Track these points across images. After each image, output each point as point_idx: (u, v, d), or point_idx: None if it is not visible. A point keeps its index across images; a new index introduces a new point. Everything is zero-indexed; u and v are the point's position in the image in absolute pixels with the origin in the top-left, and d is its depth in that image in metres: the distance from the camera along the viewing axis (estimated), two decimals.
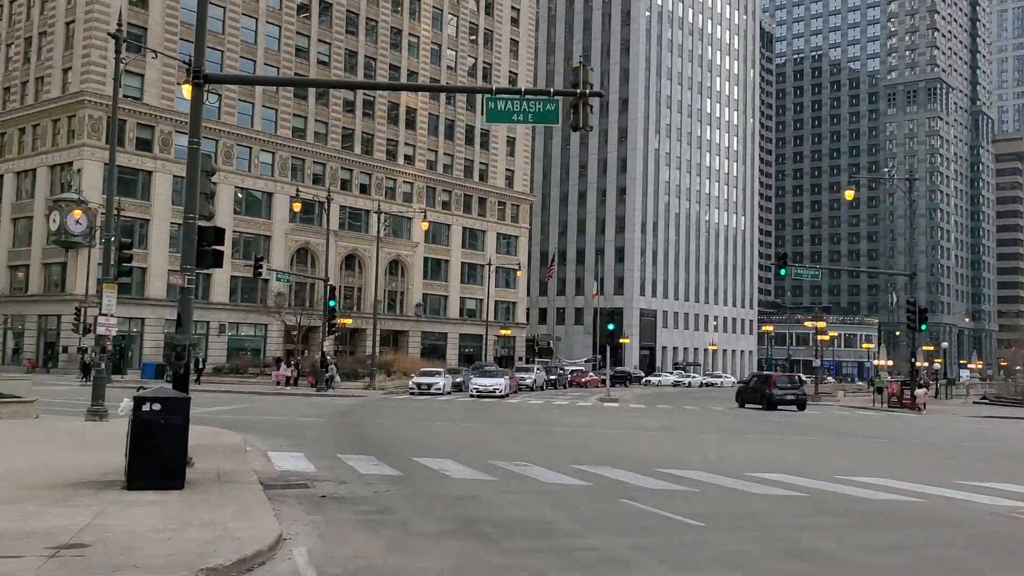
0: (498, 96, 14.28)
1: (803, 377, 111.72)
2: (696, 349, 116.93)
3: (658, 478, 13.96)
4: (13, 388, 24.03)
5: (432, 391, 44.20)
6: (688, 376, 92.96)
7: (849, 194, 41.02)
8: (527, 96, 14.30)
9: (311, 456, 16.35)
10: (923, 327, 40.24)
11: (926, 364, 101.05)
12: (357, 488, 12.34)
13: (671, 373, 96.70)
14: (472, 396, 42.73)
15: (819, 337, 69.79)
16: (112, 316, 23.71)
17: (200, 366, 50.88)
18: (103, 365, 24.41)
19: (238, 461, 14.93)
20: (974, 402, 54.04)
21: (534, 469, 14.85)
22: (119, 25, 24.56)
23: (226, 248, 64.87)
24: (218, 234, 13.95)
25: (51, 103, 63.33)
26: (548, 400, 44.42)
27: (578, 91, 14.22)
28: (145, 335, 62.96)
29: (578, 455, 17.69)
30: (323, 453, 17.06)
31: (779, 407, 39.27)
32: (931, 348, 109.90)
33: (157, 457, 10.71)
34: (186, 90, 25.35)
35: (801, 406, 39.42)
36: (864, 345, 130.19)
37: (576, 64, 14.32)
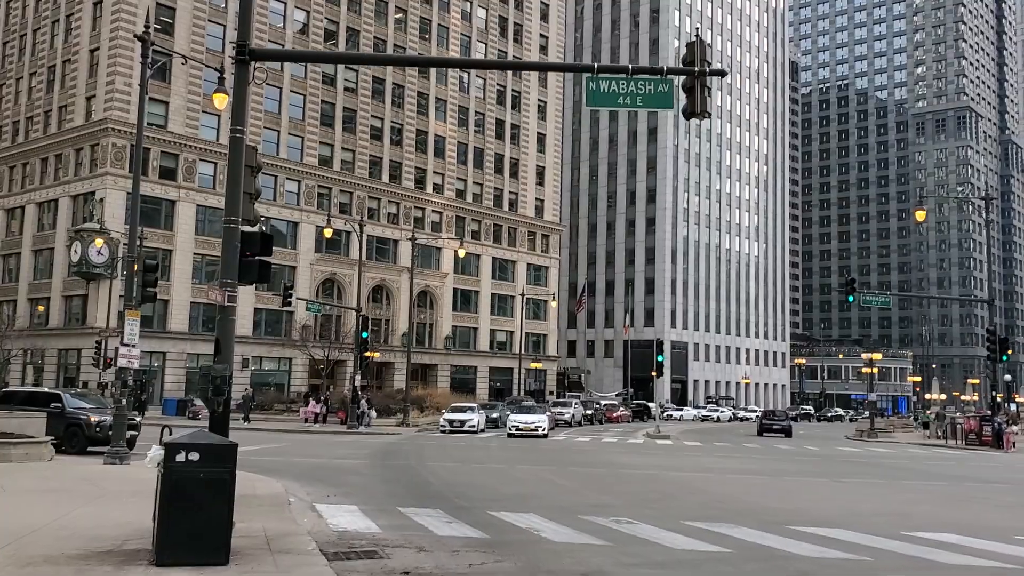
0: (601, 76, 11.90)
1: (840, 412, 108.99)
2: (728, 383, 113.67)
3: (804, 540, 11.34)
4: (26, 427, 21.67)
5: (466, 428, 41.04)
6: (717, 411, 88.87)
7: (920, 214, 38.23)
8: (636, 76, 11.91)
9: (368, 510, 13.83)
10: (1004, 358, 37.37)
11: (975, 397, 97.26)
12: (443, 559, 9.79)
13: (703, 407, 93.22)
14: (510, 434, 38.99)
15: (867, 370, 66.54)
16: (134, 347, 21.40)
17: (250, 403, 47.81)
18: (124, 401, 22.05)
19: (285, 518, 12.41)
20: None
21: (642, 528, 12.24)
22: (146, 26, 22.48)
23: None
24: (266, 242, 11.59)
25: (74, 131, 61.85)
26: (594, 437, 41.66)
27: (695, 69, 11.84)
28: (167, 370, 60.82)
29: (678, 507, 15.07)
30: (380, 505, 14.53)
31: (765, 434, 50.09)
32: (977, 381, 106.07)
33: (195, 522, 8.23)
34: (218, 99, 23.30)
35: (787, 433, 49.65)
36: (911, 378, 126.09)
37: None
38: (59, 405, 26.05)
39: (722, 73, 12.83)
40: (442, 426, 41.62)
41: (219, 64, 23.00)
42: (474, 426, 41.40)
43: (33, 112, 66.47)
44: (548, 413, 44.80)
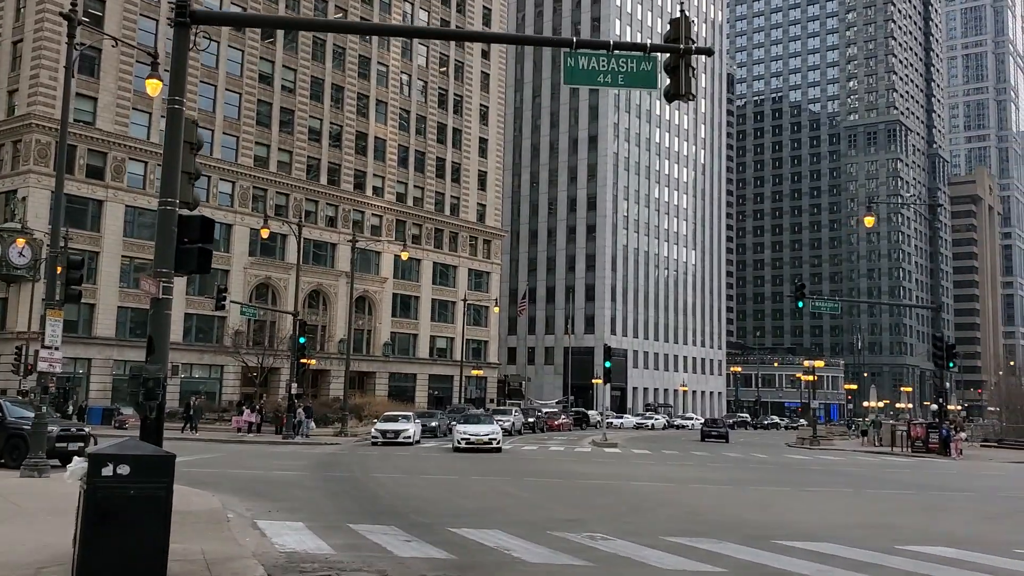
0: (580, 51, 10.92)
1: (776, 419, 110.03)
2: (666, 390, 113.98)
3: (798, 556, 10.49)
4: None
5: (400, 440, 36.69)
6: (652, 418, 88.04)
7: (869, 220, 38.11)
8: (617, 53, 10.96)
9: (316, 527, 12.60)
10: (951, 364, 37.50)
11: (909, 405, 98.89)
12: None
13: (641, 414, 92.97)
14: (458, 448, 33.96)
15: (806, 377, 66.93)
16: (56, 350, 19.74)
17: (191, 411, 44.77)
18: (44, 409, 20.32)
19: (225, 538, 11.13)
20: (981, 444, 51.39)
21: (621, 545, 11.27)
22: (73, 5, 20.83)
23: (180, 282, 60.11)
24: (206, 228, 10.31)
25: None
26: (541, 446, 40.67)
27: (680, 47, 10.97)
28: (92, 377, 58.09)
29: (652, 520, 14.15)
30: (328, 522, 13.31)
31: (707, 439, 55.12)
32: (909, 390, 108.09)
33: (124, 547, 6.98)
34: (151, 85, 21.78)
35: (726, 439, 54.93)
36: (846, 386, 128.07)
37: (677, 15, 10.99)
38: None
39: (709, 52, 12.00)
40: (374, 437, 37.13)
41: (151, 50, 21.45)
42: (409, 437, 37.10)
43: None
44: (498, 424, 42.17)
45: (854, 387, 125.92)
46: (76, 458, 7.15)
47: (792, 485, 22.30)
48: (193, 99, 63.90)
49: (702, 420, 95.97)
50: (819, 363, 67.28)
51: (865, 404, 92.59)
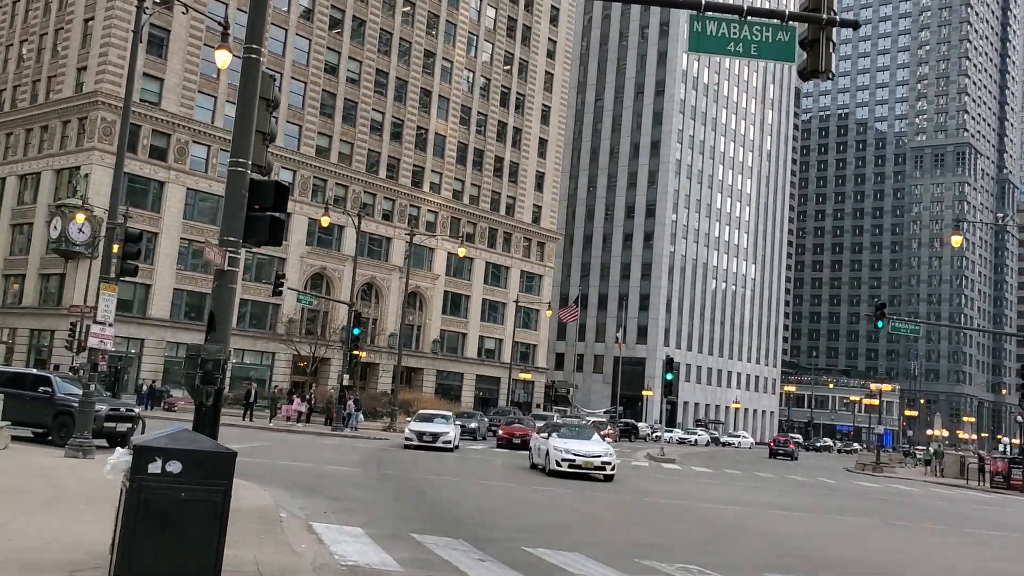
0: (708, 15, 9.60)
1: (829, 442, 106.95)
2: (718, 406, 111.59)
3: None
4: None
5: (439, 444, 31.24)
6: (694, 434, 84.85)
7: (956, 240, 36.11)
8: (751, 19, 9.62)
9: (376, 535, 11.42)
10: None
11: (973, 436, 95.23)
12: None
13: (694, 430, 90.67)
14: (555, 470, 23.87)
15: (870, 401, 64.51)
16: (109, 326, 18.89)
17: (252, 399, 43.50)
18: (93, 387, 19.51)
19: (279, 542, 10.00)
20: None
21: None
22: None
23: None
24: (280, 194, 9.18)
25: (62, 103, 59.11)
26: None
27: (822, 17, 9.60)
28: (144, 357, 58.02)
29: (744, 552, 12.75)
30: (389, 529, 12.13)
31: (775, 457, 57.64)
32: (973, 420, 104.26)
33: (170, 559, 5.82)
34: (220, 56, 20.88)
35: (792, 457, 57.37)
36: (908, 412, 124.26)
37: None
38: (48, 390, 22.86)
39: (855, 24, 10.60)
40: (407, 439, 31.89)
41: (222, 20, 20.46)
42: (449, 441, 31.71)
43: (21, 81, 63.68)
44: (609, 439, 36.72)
45: (914, 414, 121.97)
46: (118, 449, 6.02)
47: (875, 516, 20.62)
48: None
49: (751, 438, 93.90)
50: (886, 387, 64.74)
51: (928, 432, 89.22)
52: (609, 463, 24.14)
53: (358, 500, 15.56)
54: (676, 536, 14.00)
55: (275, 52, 65.50)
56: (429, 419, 33.79)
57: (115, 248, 19.78)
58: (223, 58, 21.06)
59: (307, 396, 45.98)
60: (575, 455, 23.92)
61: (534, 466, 26.11)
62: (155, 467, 5.79)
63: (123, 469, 5.94)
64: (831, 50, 9.70)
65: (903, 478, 42.86)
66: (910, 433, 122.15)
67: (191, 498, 5.83)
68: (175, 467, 5.82)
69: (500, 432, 39.59)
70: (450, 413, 38.00)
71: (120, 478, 6.05)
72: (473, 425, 43.70)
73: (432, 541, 11.26)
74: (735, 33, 9.40)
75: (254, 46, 9.11)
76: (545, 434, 26.15)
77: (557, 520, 15.06)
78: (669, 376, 38.73)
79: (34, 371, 27.34)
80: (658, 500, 20.13)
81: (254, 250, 63.24)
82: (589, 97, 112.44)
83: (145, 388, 48.97)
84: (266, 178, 9.50)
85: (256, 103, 9.05)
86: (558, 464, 23.83)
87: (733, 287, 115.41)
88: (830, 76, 9.89)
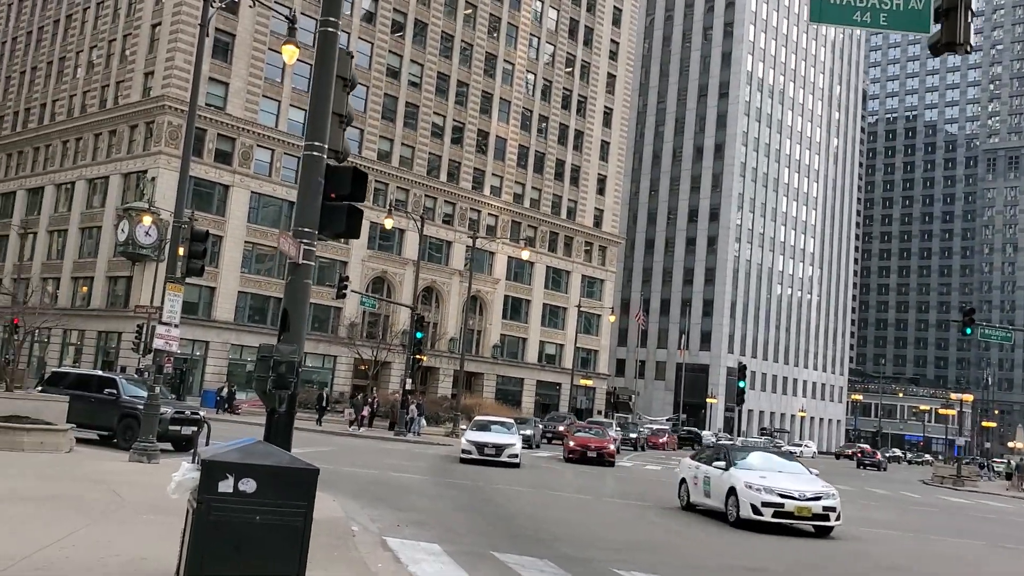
0: None
1: (898, 453, 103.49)
2: (783, 414, 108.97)
3: None
4: (43, 410, 18.77)
5: (503, 459, 26.63)
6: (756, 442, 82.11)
7: None
8: None
9: (455, 552, 10.61)
10: None
11: None
12: None
13: (758, 439, 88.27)
14: (751, 518, 16.10)
15: (946, 411, 62.03)
16: (175, 327, 18.45)
17: (324, 403, 43.62)
18: (158, 389, 19.10)
19: (353, 561, 9.24)
20: None
21: None
22: None
23: None
24: (358, 181, 8.42)
25: (130, 108, 59.85)
26: (663, 465, 38.01)
27: None
28: (208, 360, 58.36)
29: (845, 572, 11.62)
30: (468, 546, 11.30)
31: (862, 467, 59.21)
32: None
33: None
34: (287, 52, 20.35)
35: (879, 468, 55.10)
36: (986, 424, 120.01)
37: None
38: (114, 392, 22.71)
39: None
40: (465, 451, 27.28)
41: (290, 14, 19.97)
42: (515, 455, 26.98)
43: (90, 86, 64.71)
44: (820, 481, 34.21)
45: (992, 424, 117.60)
46: (184, 463, 5.26)
47: (978, 537, 19.19)
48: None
49: (813, 447, 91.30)
50: (967, 397, 62.18)
51: (1010, 444, 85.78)
52: (833, 509, 16.17)
53: (430, 511, 14.78)
54: (779, 561, 12.90)
55: None
56: (486, 427, 28.90)
57: (180, 250, 19.39)
58: (290, 53, 20.55)
59: (369, 400, 45.54)
60: (784, 496, 15.88)
61: (690, 507, 18.58)
62: (226, 485, 5.02)
63: (189, 487, 5.18)
64: (970, 20, 8.62)
65: (987, 492, 40.83)
66: (987, 445, 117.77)
67: (267, 522, 5.05)
68: (249, 486, 5.04)
69: (570, 443, 33.44)
70: (511, 420, 33.51)
71: (186, 496, 5.30)
72: (528, 432, 41.33)
73: (515, 561, 10.40)
74: (862, 1, 8.39)
75: (331, 19, 8.38)
76: (718, 461, 17.92)
77: (641, 538, 14.10)
78: (742, 384, 37.41)
79: (100, 373, 27.26)
80: None
81: (318, 254, 63.25)
82: (651, 99, 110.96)
83: (225, 392, 49.25)
84: (343, 164, 8.75)
85: (332, 83, 8.32)
86: (756, 511, 15.80)
87: (798, 292, 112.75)
88: (968, 50, 8.81)
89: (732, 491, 16.40)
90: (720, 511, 16.96)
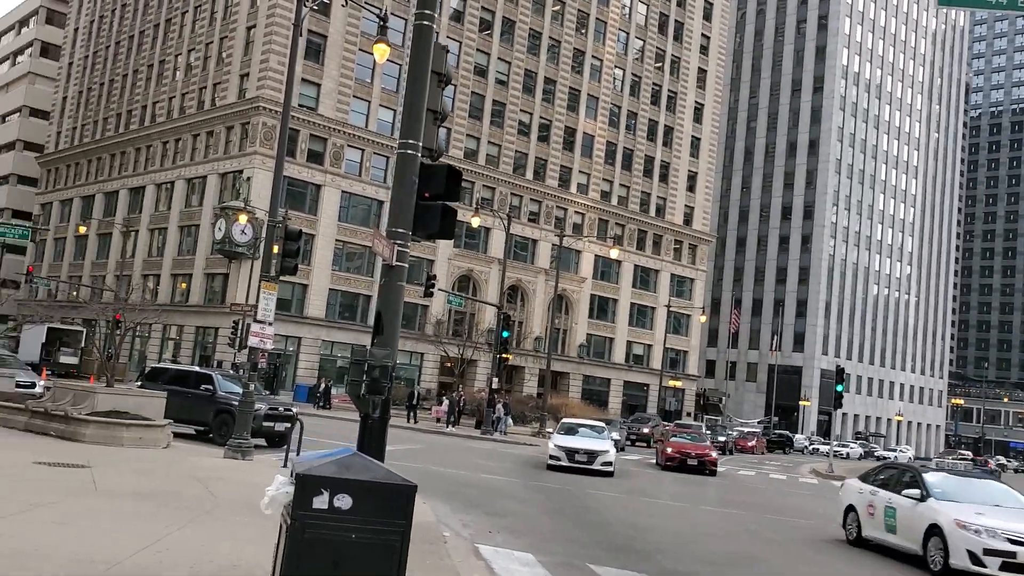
0: None
1: (1003, 460, 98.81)
2: (879, 418, 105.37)
3: None
4: (143, 406, 19.11)
5: (596, 467, 24.24)
6: (846, 446, 78.74)
7: None
8: None
9: (550, 563, 10.25)
10: None
11: None
12: None
13: (845, 443, 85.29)
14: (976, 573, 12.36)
15: None
16: (269, 325, 18.57)
17: (415, 401, 44.07)
18: (252, 386, 19.27)
19: (446, 571, 8.94)
20: None
21: None
22: None
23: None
24: (452, 180, 8.12)
25: (226, 109, 61.33)
26: (757, 471, 36.97)
27: None
28: (301, 355, 59.45)
29: None
30: (562, 556, 10.92)
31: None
32: None
33: None
34: (379, 51, 20.29)
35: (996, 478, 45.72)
36: None
37: None
38: (210, 388, 23.14)
39: None
40: (553, 456, 24.82)
41: (380, 12, 19.92)
42: (609, 463, 24.61)
43: (188, 88, 66.58)
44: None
45: None
46: (278, 477, 5.00)
47: None
48: None
49: (910, 452, 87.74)
50: None
51: None
52: None
53: (521, 517, 14.44)
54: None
55: None
56: (575, 430, 26.59)
57: (275, 248, 19.53)
58: (381, 51, 20.50)
59: (456, 398, 45.59)
60: (1018, 542, 12.10)
61: (862, 542, 15.19)
62: (321, 501, 4.75)
63: (283, 502, 4.93)
64: None
65: None
66: None
67: (363, 540, 4.76)
68: (345, 502, 4.75)
69: (668, 450, 30.49)
70: (602, 423, 30.90)
71: (279, 511, 5.05)
72: (615, 436, 39.52)
73: (614, 574, 9.96)
74: None
75: (426, 11, 8.09)
76: (908, 488, 14.19)
77: (743, 550, 13.47)
78: (840, 388, 36.00)
79: (196, 369, 27.82)
80: None
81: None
82: (743, 94, 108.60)
83: (322, 387, 50.19)
84: (437, 162, 8.46)
85: (428, 78, 8.03)
86: (976, 560, 12.13)
87: (895, 292, 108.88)
88: None
89: (935, 530, 12.87)
90: (913, 553, 13.39)
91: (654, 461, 32.66)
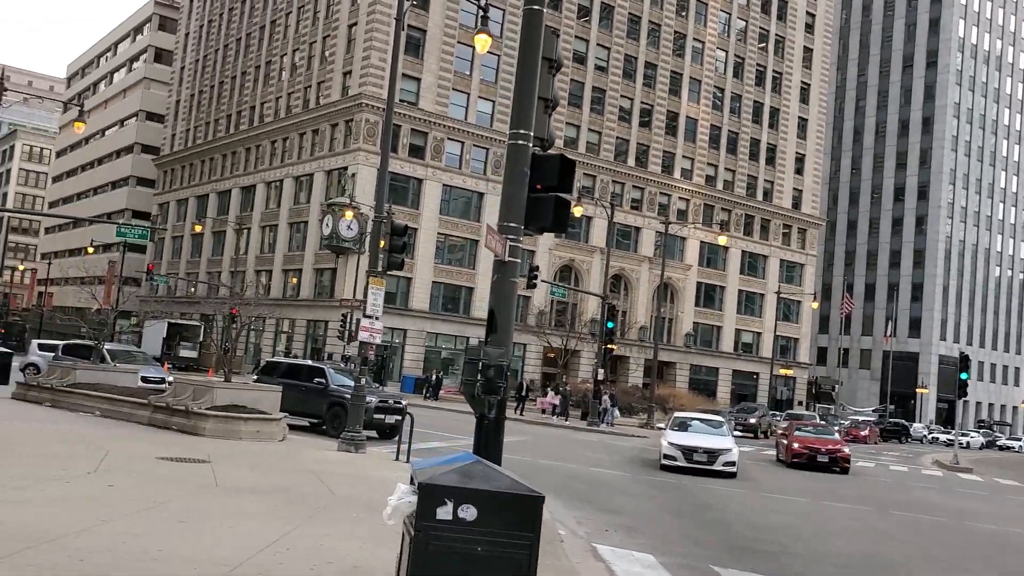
0: None
1: None
2: (1003, 406, 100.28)
3: None
4: (260, 400, 19.51)
5: (719, 467, 21.62)
6: (966, 435, 74.43)
7: None
8: None
9: (673, 565, 9.89)
10: None
11: None
12: None
13: (965, 432, 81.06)
14: None
15: None
16: (377, 319, 18.69)
17: (524, 392, 44.22)
18: (364, 380, 19.45)
19: (564, 572, 8.68)
20: None
21: None
22: None
23: (487, 257, 61.16)
24: (565, 170, 7.81)
25: (330, 107, 62.55)
26: (876, 463, 35.50)
27: None
28: (407, 346, 60.32)
29: None
30: (684, 557, 10.52)
31: None
32: None
33: None
34: (480, 41, 20.14)
35: None
36: None
37: None
38: (323, 381, 23.63)
39: None
40: (667, 455, 22.18)
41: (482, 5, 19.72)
42: (732, 462, 21.89)
43: (294, 88, 68.16)
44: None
45: None
46: (400, 485, 4.82)
47: None
48: (509, 78, 64.35)
49: None
50: None
51: None
52: None
53: (636, 514, 14.07)
54: None
55: None
56: (688, 425, 24.20)
57: (381, 244, 19.63)
58: (483, 42, 20.34)
59: (561, 389, 45.38)
60: None
61: None
62: (445, 512, 4.53)
63: (406, 511, 4.74)
64: None
65: None
66: None
67: (490, 553, 4.52)
68: (469, 513, 4.53)
69: (794, 445, 27.17)
70: (719, 417, 28.19)
71: (401, 520, 4.86)
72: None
73: None
74: None
75: None
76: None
77: (871, 550, 12.75)
78: (964, 376, 34.19)
79: (309, 362, 28.43)
80: (981, 526, 17.05)
81: None
82: (851, 72, 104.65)
83: (433, 378, 50.98)
84: (549, 152, 8.17)
85: (539, 65, 7.74)
86: None
87: (1020, 274, 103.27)
88: None
89: None
90: None
91: (774, 457, 30.20)
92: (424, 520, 4.53)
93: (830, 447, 26.76)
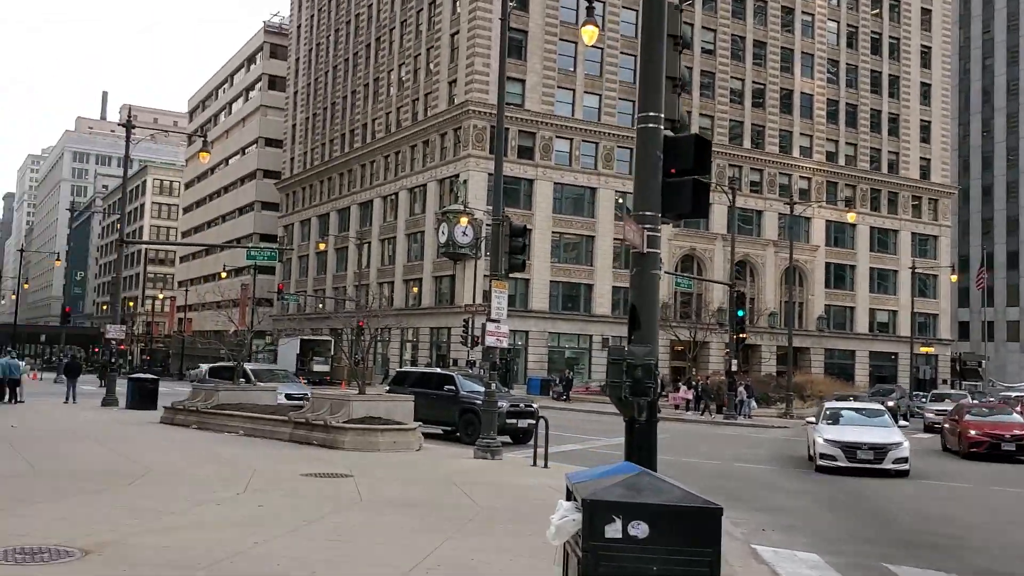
0: None
1: None
2: None
3: None
4: (393, 411, 19.63)
5: (889, 466, 18.52)
6: None
7: None
8: None
9: (840, 565, 9.27)
10: None
11: None
12: None
13: None
14: None
15: None
16: (502, 323, 18.51)
17: (661, 388, 44.02)
18: (493, 386, 19.30)
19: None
20: None
21: None
22: None
23: (605, 254, 59.74)
24: (701, 151, 7.34)
25: (438, 117, 63.20)
26: None
27: None
28: (529, 348, 60.28)
29: None
30: (849, 555, 9.86)
31: None
32: None
33: None
34: (587, 33, 19.74)
35: None
36: None
37: None
38: (452, 388, 23.85)
39: None
40: (824, 454, 19.04)
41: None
42: (903, 459, 18.72)
43: (403, 102, 69.21)
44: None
45: None
46: (561, 503, 4.49)
47: None
48: (614, 70, 63.59)
49: None
50: None
51: None
52: None
53: (793, 512, 13.35)
54: None
55: (628, 35, 64.63)
56: (840, 416, 21.08)
57: (501, 247, 19.46)
58: (590, 34, 20.06)
59: (694, 383, 44.31)
60: None
61: None
62: (614, 530, 4.17)
63: (570, 530, 4.41)
64: None
65: None
66: None
67: (666, 571, 4.13)
68: (640, 530, 4.15)
69: (970, 432, 23.38)
70: (879, 405, 24.57)
71: (565, 540, 4.53)
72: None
73: None
74: None
75: None
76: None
77: None
78: None
79: (438, 370, 28.64)
80: None
81: (620, 236, 62.99)
82: (974, 30, 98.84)
83: (564, 378, 51.09)
84: (682, 135, 7.70)
85: (664, 42, 7.31)
86: None
87: None
88: None
89: None
90: None
91: (939, 445, 26.47)
92: (591, 539, 4.18)
93: (1016, 431, 22.82)
